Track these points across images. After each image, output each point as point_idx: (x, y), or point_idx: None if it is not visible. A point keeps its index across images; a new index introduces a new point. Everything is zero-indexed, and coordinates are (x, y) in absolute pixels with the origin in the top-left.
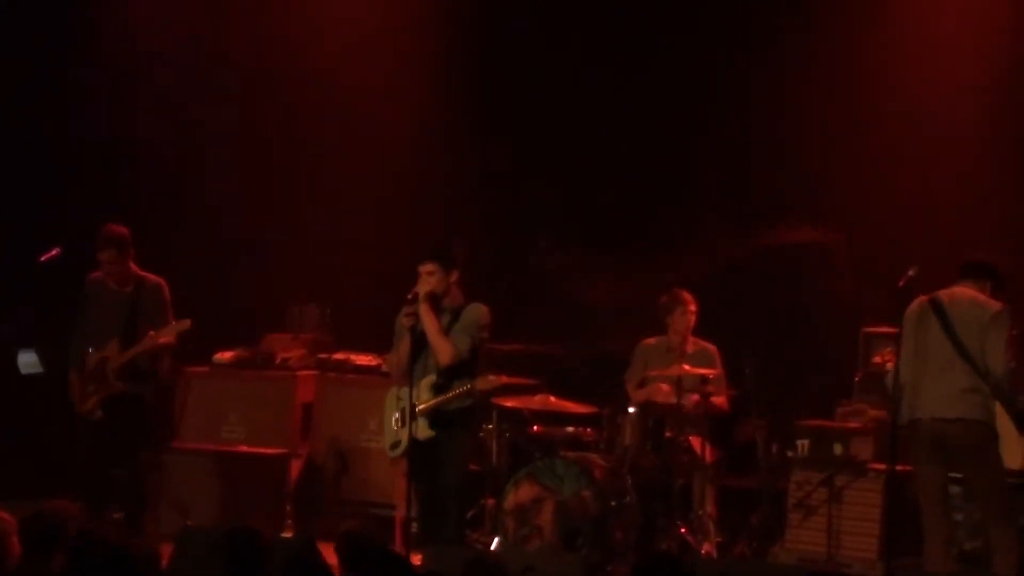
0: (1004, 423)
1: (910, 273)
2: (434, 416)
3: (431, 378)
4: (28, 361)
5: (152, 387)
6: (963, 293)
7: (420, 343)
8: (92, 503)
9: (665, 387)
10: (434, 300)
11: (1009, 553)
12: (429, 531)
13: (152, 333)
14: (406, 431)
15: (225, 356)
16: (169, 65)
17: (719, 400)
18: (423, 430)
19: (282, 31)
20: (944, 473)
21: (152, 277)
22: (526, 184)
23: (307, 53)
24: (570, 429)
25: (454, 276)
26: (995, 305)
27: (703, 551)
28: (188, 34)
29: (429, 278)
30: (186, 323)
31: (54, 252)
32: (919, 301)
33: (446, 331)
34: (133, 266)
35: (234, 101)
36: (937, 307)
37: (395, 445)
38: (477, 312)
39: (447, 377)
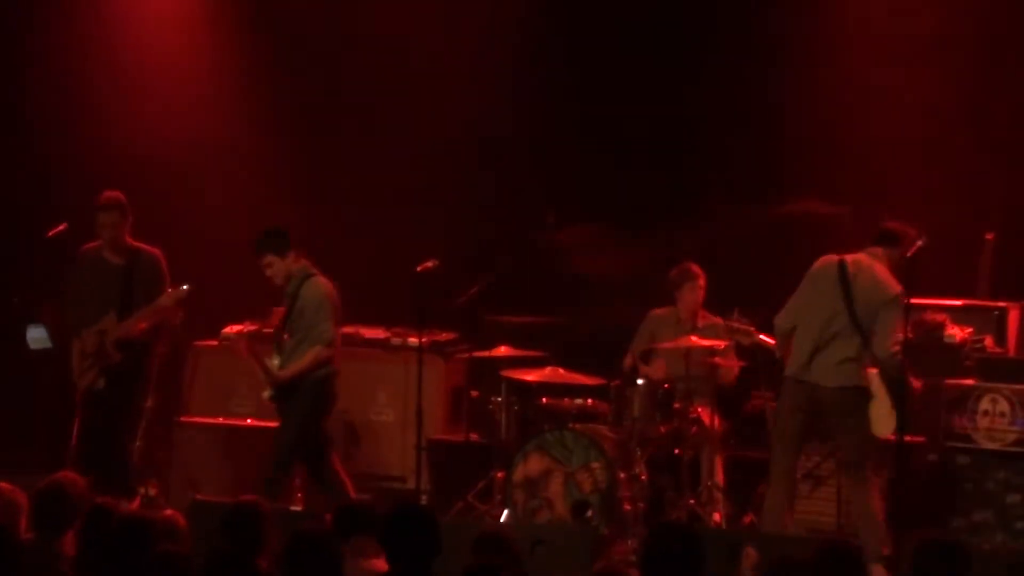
0: (880, 395)
1: (918, 243)
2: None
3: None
4: (37, 336)
5: (152, 358)
6: (869, 265)
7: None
8: (100, 477)
9: (660, 364)
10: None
11: (871, 519)
12: None
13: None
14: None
15: (234, 330)
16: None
17: (727, 377)
18: (267, 392)
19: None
20: (806, 428)
21: (148, 248)
22: (533, 159)
23: (321, 31)
24: (579, 401)
25: (291, 257)
26: (894, 288)
27: (712, 522)
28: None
29: (269, 270)
30: (182, 291)
31: (61, 227)
32: (828, 259)
33: (289, 311)
34: (128, 237)
35: (243, 79)
36: (843, 273)
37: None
38: (316, 298)
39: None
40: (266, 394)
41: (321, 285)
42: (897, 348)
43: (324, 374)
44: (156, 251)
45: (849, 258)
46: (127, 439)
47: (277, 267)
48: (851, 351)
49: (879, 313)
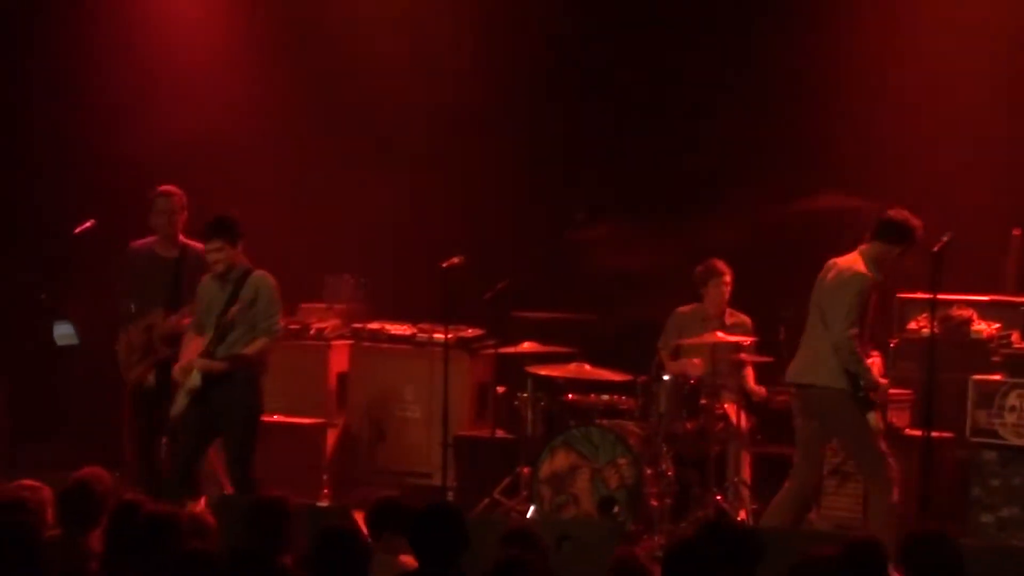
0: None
1: (944, 239)
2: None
3: (209, 333)
4: (64, 332)
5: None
6: (849, 259)
7: (205, 298)
8: (144, 473)
9: (697, 362)
10: (225, 280)
11: (885, 514)
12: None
13: (185, 310)
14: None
15: None
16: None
17: (751, 377)
18: (194, 379)
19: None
20: (812, 432)
21: (196, 244)
22: (562, 155)
23: (343, 19)
24: (605, 397)
25: (239, 247)
26: (853, 271)
27: (738, 518)
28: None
29: (218, 254)
30: None
31: (88, 224)
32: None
33: (232, 301)
34: (181, 233)
35: (267, 71)
36: (823, 270)
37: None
38: (270, 291)
39: (224, 330)
40: (194, 381)
41: (272, 279)
42: (847, 333)
43: (260, 369)
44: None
45: (838, 258)
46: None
47: (226, 253)
48: (822, 345)
49: (833, 295)
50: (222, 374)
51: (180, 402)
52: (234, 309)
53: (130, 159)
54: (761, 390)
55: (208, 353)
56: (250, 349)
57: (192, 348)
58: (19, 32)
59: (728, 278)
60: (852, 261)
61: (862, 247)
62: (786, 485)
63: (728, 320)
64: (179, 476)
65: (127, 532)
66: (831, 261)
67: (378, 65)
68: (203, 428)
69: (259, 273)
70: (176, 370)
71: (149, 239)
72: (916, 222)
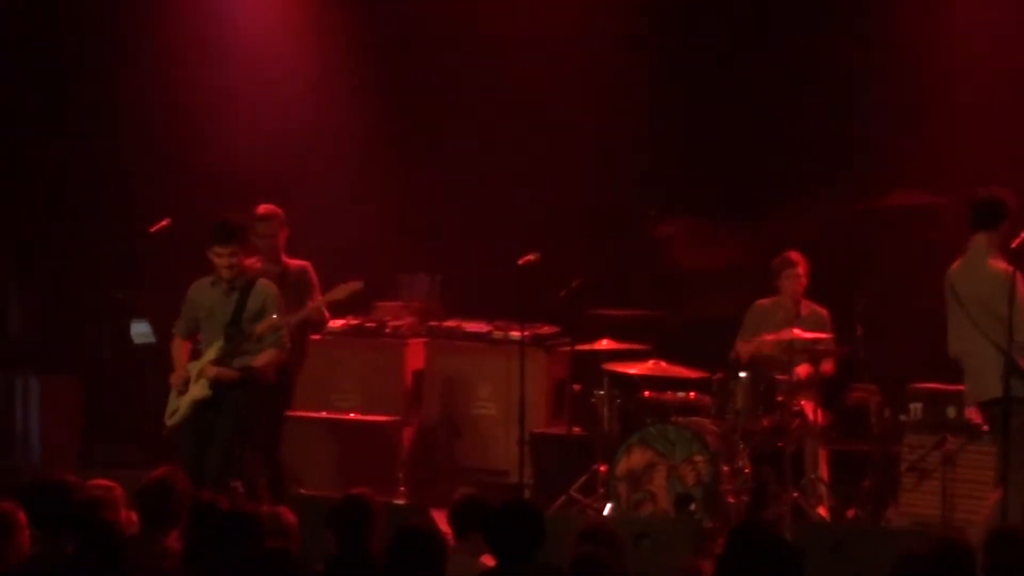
0: (989, 355)
1: (1023, 235)
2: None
3: (219, 343)
4: (141, 331)
5: (300, 357)
6: (982, 261)
7: (209, 307)
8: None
9: (769, 338)
10: (231, 287)
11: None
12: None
13: (318, 299)
14: (184, 397)
15: (337, 324)
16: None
17: (827, 367)
18: (201, 389)
19: None
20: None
21: (298, 261)
22: (635, 152)
23: (418, 22)
24: (681, 394)
25: (246, 251)
26: (1003, 267)
27: (816, 515)
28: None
29: (232, 259)
30: (356, 285)
31: (164, 223)
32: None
33: (239, 309)
34: (283, 252)
35: (347, 74)
36: (950, 281)
37: (172, 414)
38: (268, 294)
39: (236, 340)
40: (203, 392)
41: (275, 288)
42: None
43: (264, 380)
44: (307, 264)
45: (953, 267)
46: (276, 442)
47: (237, 259)
48: (991, 360)
49: (1005, 305)
50: (231, 383)
51: (183, 411)
52: (270, 321)
53: (210, 162)
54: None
55: (220, 362)
56: (259, 361)
57: (184, 353)
58: (110, 37)
59: (801, 269)
60: (988, 262)
61: (979, 241)
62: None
63: (804, 311)
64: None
65: (206, 531)
66: (955, 269)
67: (454, 65)
68: (204, 436)
69: (264, 282)
70: (174, 378)
71: (251, 259)
72: (1005, 192)
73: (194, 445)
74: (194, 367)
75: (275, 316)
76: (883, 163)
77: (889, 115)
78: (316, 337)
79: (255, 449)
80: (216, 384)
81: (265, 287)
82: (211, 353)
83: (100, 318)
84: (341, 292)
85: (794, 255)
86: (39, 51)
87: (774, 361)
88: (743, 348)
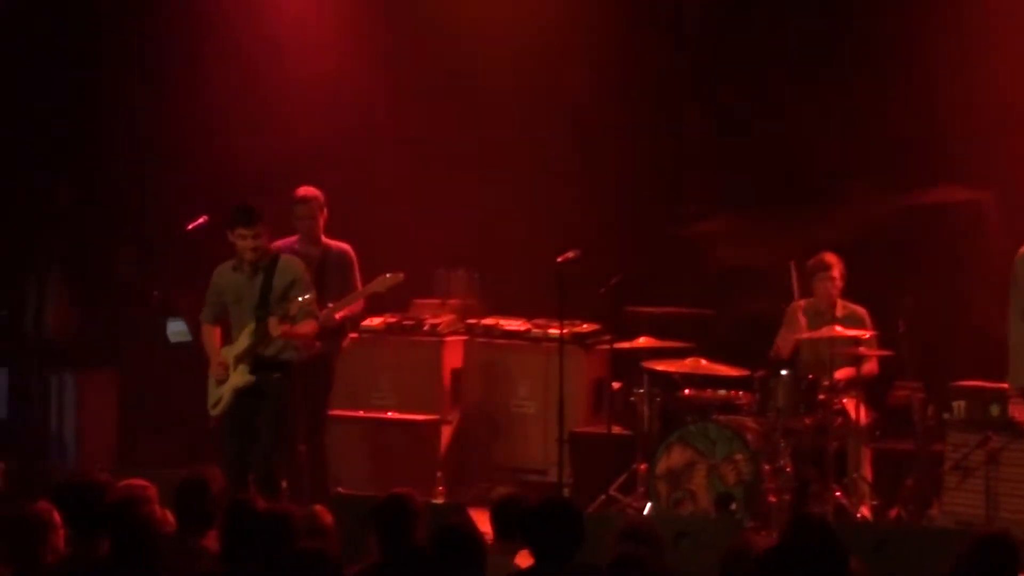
0: None
1: None
2: (255, 363)
3: (250, 325)
4: (177, 330)
5: (338, 349)
6: None
7: (235, 292)
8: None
9: (803, 322)
10: (254, 269)
11: None
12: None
13: (331, 305)
14: (225, 386)
15: (373, 322)
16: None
17: (869, 367)
18: (242, 376)
19: None
20: None
21: (340, 243)
22: (674, 148)
23: (463, 17)
24: (722, 392)
25: (268, 231)
26: None
27: (858, 514)
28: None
29: (256, 241)
30: (397, 277)
31: (202, 220)
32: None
33: (265, 290)
34: (322, 233)
35: (386, 69)
36: (1016, 266)
37: (215, 404)
38: (294, 271)
39: (266, 320)
40: (245, 379)
41: (299, 261)
42: None
43: (298, 360)
44: (347, 246)
45: (1021, 251)
46: (322, 437)
47: (262, 241)
48: None
49: None
50: (267, 363)
51: (226, 399)
52: (303, 303)
53: (246, 155)
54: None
55: (254, 347)
56: (305, 328)
57: (216, 340)
58: (145, 34)
59: (836, 272)
60: None
61: None
62: None
63: (840, 312)
64: (240, 479)
65: (241, 531)
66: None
67: (497, 62)
68: (246, 427)
69: (287, 257)
70: (214, 368)
71: (290, 239)
72: None
73: (236, 437)
74: (229, 352)
75: (307, 296)
76: (926, 159)
77: (932, 110)
78: (354, 336)
79: (298, 441)
80: (258, 367)
81: (288, 262)
82: (244, 338)
83: (136, 316)
84: (382, 284)
85: (829, 257)
86: (72, 38)
87: (815, 362)
88: (784, 343)
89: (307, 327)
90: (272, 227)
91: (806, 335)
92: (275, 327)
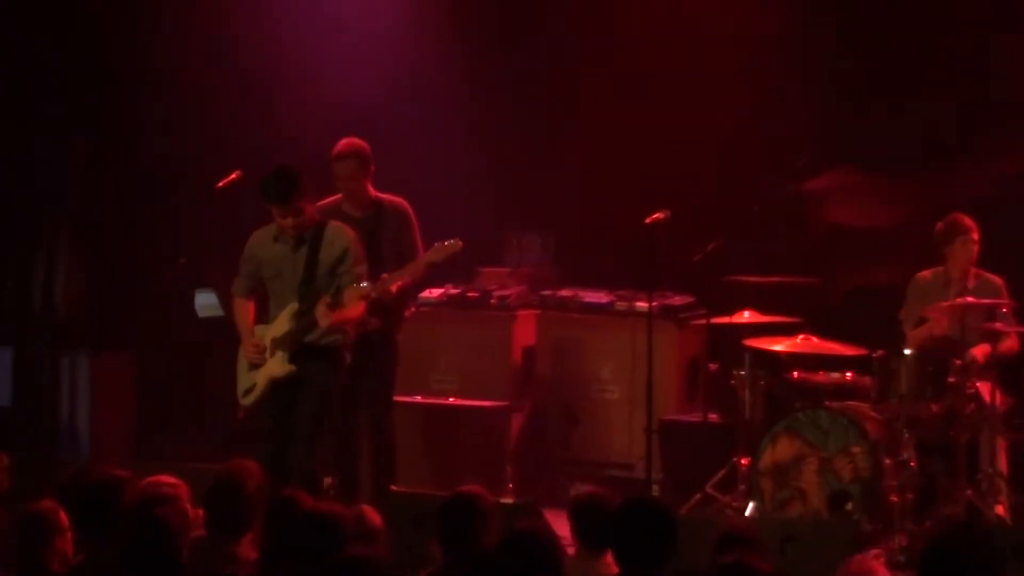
0: None
1: None
2: (296, 350)
3: (293, 305)
4: (207, 303)
5: (400, 320)
6: None
7: (275, 266)
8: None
9: (944, 321)
10: (298, 240)
11: None
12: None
13: (385, 276)
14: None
15: (432, 294)
16: None
17: (1008, 344)
18: (281, 365)
19: None
20: None
21: (393, 197)
22: (779, 94)
23: None
24: (836, 375)
25: (311, 200)
26: None
27: (994, 515)
28: None
29: (295, 218)
30: (454, 245)
31: (234, 176)
32: None
33: (311, 265)
34: (370, 187)
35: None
36: None
37: (248, 391)
38: (343, 242)
39: (311, 300)
40: (284, 368)
41: (350, 230)
42: None
43: (346, 341)
44: (402, 201)
45: None
46: (389, 425)
47: (302, 217)
48: None
49: None
50: (312, 350)
51: (260, 388)
52: (359, 290)
53: (297, 109)
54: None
55: (295, 333)
56: (357, 309)
57: (249, 316)
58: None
59: (975, 235)
60: None
61: None
62: None
63: (971, 283)
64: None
65: (284, 533)
66: None
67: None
68: (284, 420)
69: (336, 226)
70: (247, 349)
71: (335, 197)
72: None
73: (272, 431)
74: (265, 333)
75: (364, 285)
76: None
77: None
78: (410, 310)
79: (358, 431)
80: (299, 356)
81: (337, 232)
82: (284, 321)
83: (159, 287)
84: (439, 253)
85: (966, 219)
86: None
87: (945, 340)
88: (912, 335)
89: (357, 310)
90: (318, 192)
91: (932, 309)
92: (324, 316)
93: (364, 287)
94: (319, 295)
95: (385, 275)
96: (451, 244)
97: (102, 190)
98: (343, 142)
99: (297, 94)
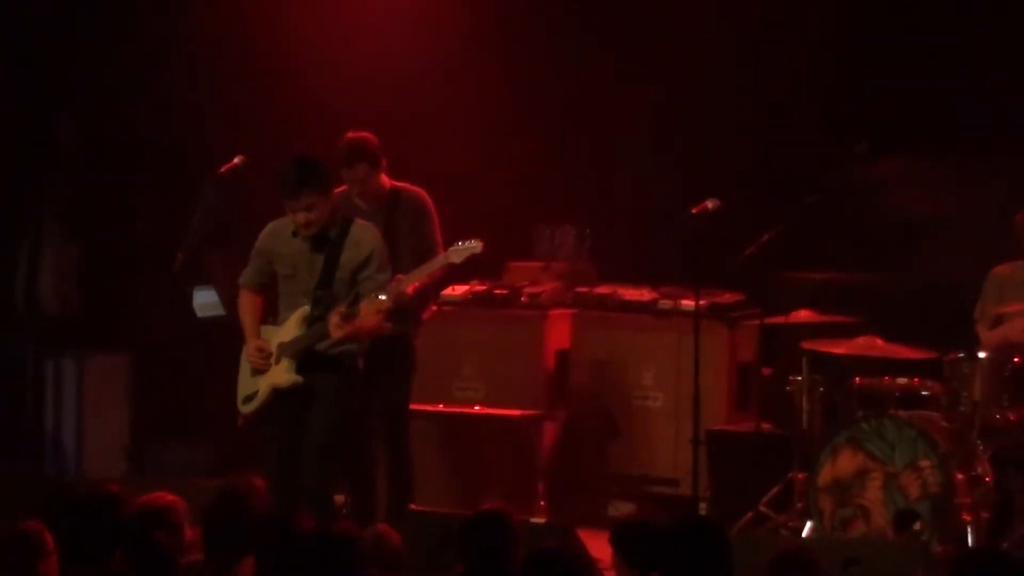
0: None
1: None
2: (304, 358)
3: (304, 309)
4: (206, 301)
5: (418, 324)
6: None
7: (291, 263)
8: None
9: (1017, 307)
10: (320, 238)
11: None
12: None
13: (400, 278)
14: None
15: (456, 291)
16: None
17: None
18: (286, 374)
19: None
20: None
21: (410, 187)
22: (840, 71)
23: None
24: (903, 380)
25: (331, 195)
26: None
27: None
28: None
29: (309, 213)
30: (474, 246)
31: (236, 161)
32: None
33: (330, 267)
34: (385, 177)
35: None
36: None
37: (249, 399)
38: (370, 244)
39: (326, 305)
40: (291, 379)
41: (376, 230)
42: None
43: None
44: (421, 191)
45: None
46: (404, 438)
47: (320, 211)
48: None
49: None
50: (321, 360)
51: (262, 395)
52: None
53: (317, 87)
54: None
55: (306, 341)
56: (373, 320)
57: (256, 312)
58: None
59: None
60: None
61: None
62: None
63: None
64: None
65: (286, 560)
66: None
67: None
68: (292, 429)
69: (362, 225)
70: (250, 351)
71: (344, 187)
72: None
73: (275, 443)
74: (271, 336)
75: (383, 298)
76: None
77: None
78: (429, 310)
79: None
80: (307, 366)
81: (363, 232)
82: (293, 326)
83: (154, 284)
84: (457, 255)
85: None
86: None
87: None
88: (987, 337)
89: (373, 320)
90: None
91: (1009, 308)
92: (336, 327)
93: (383, 300)
94: (335, 301)
95: (400, 276)
96: (471, 245)
97: (90, 176)
98: (348, 144)
99: (315, 76)
